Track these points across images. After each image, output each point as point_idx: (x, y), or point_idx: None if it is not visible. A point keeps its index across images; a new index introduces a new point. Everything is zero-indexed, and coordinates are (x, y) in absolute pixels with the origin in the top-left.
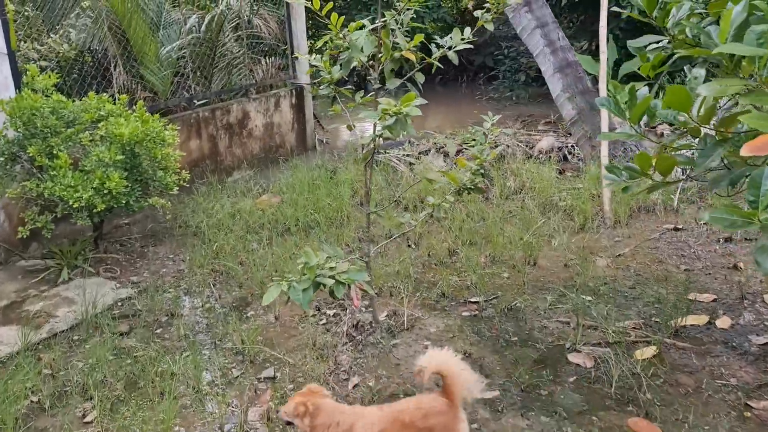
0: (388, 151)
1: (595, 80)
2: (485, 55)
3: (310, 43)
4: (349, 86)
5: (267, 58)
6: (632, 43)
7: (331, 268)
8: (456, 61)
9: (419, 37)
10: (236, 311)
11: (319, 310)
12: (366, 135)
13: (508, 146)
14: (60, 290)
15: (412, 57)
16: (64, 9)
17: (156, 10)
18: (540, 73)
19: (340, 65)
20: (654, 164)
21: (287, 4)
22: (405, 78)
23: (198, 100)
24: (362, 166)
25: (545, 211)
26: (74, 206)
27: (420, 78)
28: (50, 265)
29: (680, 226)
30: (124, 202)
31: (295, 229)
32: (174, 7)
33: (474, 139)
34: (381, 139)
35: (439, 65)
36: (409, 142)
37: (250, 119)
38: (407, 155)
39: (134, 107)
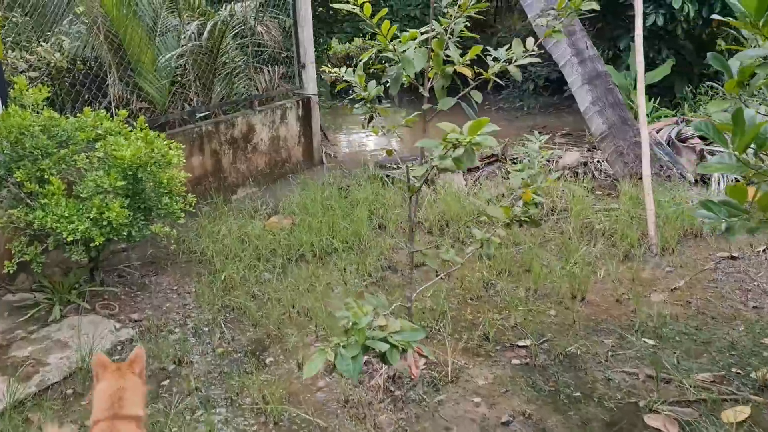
0: (399, 165)
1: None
2: None
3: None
4: (387, 104)
5: (271, 66)
6: (738, 57)
7: (382, 328)
8: (519, 77)
9: (476, 49)
10: (253, 357)
11: None
12: (368, 147)
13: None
14: (51, 331)
15: (467, 72)
16: (56, 15)
17: (152, 15)
18: (549, 82)
19: (384, 83)
20: (754, 199)
21: (294, 9)
22: (459, 96)
23: (200, 113)
24: (408, 198)
25: (582, 235)
26: (68, 239)
27: (477, 97)
28: (40, 300)
29: (736, 255)
30: (125, 233)
31: (310, 256)
32: (171, 13)
33: (523, 161)
34: (435, 168)
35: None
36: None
37: (255, 133)
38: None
39: (134, 122)
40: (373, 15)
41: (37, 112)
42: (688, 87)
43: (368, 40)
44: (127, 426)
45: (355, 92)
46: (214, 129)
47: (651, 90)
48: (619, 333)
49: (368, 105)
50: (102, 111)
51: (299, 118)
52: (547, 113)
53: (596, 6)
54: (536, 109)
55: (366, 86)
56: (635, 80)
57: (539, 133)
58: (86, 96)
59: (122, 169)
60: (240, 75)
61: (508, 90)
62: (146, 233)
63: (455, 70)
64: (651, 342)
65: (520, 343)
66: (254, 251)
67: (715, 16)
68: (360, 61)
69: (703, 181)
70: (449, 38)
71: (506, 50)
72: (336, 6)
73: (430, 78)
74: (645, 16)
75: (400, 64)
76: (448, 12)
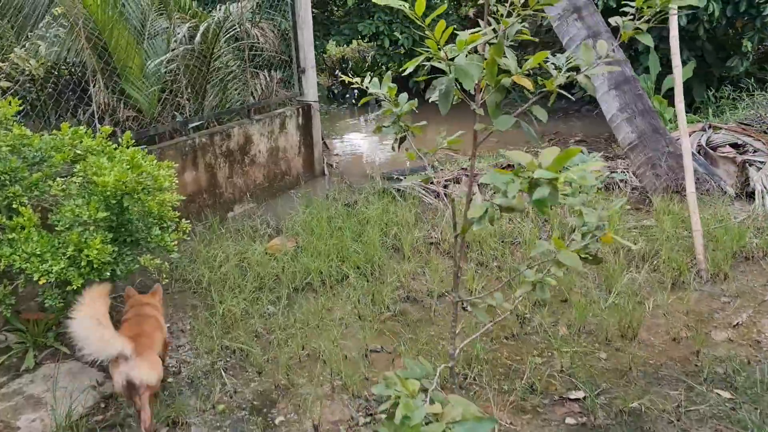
0: (406, 177)
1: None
2: None
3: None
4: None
5: (268, 72)
6: None
7: (437, 416)
8: (593, 90)
9: (541, 55)
10: (259, 415)
11: (371, 415)
12: (368, 155)
13: None
14: (24, 384)
15: (528, 84)
16: (32, 17)
17: (140, 18)
18: (560, 87)
19: (435, 100)
20: None
21: (293, 10)
22: (518, 113)
23: (192, 123)
24: (455, 238)
25: (619, 257)
26: (40, 282)
27: (542, 115)
28: (12, 344)
29: None
30: (108, 273)
31: (318, 284)
32: (159, 15)
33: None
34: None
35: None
36: (432, 166)
37: (252, 144)
38: (431, 182)
39: (119, 137)
40: (371, 15)
41: (7, 129)
42: (709, 91)
43: (367, 42)
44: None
45: (353, 94)
46: (208, 141)
47: (669, 94)
48: (686, 382)
49: (400, 123)
50: (82, 128)
51: (299, 127)
52: (556, 118)
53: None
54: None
55: (396, 100)
56: (655, 84)
57: (550, 140)
58: (69, 104)
59: (105, 198)
60: (235, 81)
61: (513, 93)
62: (134, 268)
63: (513, 81)
64: (725, 395)
65: (572, 396)
66: (255, 279)
67: None
68: (404, 69)
69: (747, 195)
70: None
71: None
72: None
73: (481, 90)
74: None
75: (451, 75)
76: (498, 11)
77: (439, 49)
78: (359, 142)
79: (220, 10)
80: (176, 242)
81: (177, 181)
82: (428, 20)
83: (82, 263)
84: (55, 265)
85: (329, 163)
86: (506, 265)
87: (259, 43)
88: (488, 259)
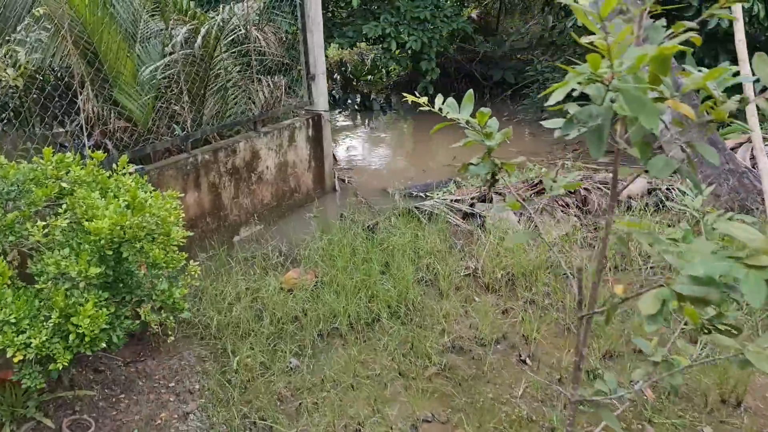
0: (429, 194)
1: None
2: (505, 69)
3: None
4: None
5: (275, 78)
6: None
7: None
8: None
9: (718, 72)
10: None
11: None
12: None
13: (587, 190)
14: None
15: (689, 113)
16: (10, 19)
17: (132, 19)
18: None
19: (578, 130)
20: None
21: (302, 11)
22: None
23: (194, 137)
24: (579, 320)
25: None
26: (15, 360)
27: (714, 159)
28: None
29: None
30: (104, 343)
31: (346, 328)
32: (152, 16)
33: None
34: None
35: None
36: (454, 182)
37: (260, 159)
38: (456, 201)
39: (112, 153)
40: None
41: None
42: None
43: (373, 45)
44: None
45: (355, 99)
46: (212, 158)
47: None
48: None
49: (493, 160)
50: (68, 155)
51: (309, 139)
52: None
53: None
54: None
55: (488, 131)
56: None
57: (574, 151)
58: (56, 114)
59: (98, 248)
60: (236, 89)
61: (529, 99)
62: (135, 327)
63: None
64: None
65: None
66: (272, 322)
67: None
68: (539, 84)
69: None
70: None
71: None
72: None
73: (620, 121)
74: (705, 20)
75: (611, 103)
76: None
77: (608, 66)
78: (366, 152)
79: (223, 10)
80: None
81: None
82: (604, 12)
83: (71, 335)
84: (36, 336)
85: (341, 177)
86: (558, 302)
87: (262, 48)
88: (540, 296)
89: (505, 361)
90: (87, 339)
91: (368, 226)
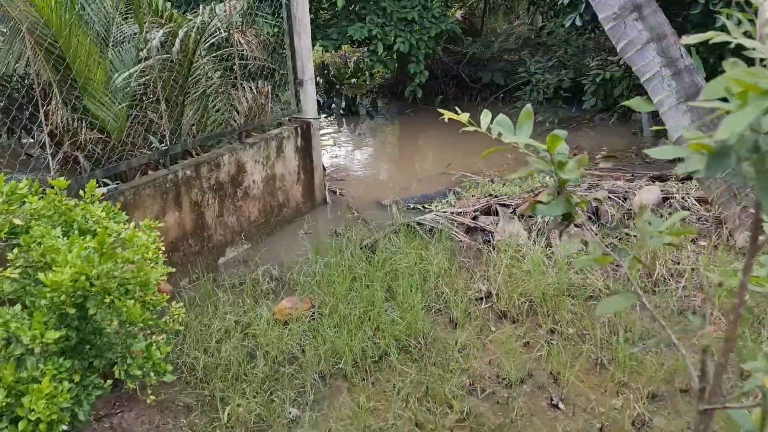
0: (428, 206)
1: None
2: (493, 70)
3: None
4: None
5: (258, 83)
6: None
7: None
8: None
9: None
10: None
11: None
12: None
13: (598, 200)
14: None
15: None
16: None
17: (103, 21)
18: (566, 91)
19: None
20: None
21: (288, 13)
22: None
23: (173, 151)
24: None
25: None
26: None
27: None
28: None
29: None
30: (65, 425)
31: (350, 368)
32: (125, 19)
33: None
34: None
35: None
36: (454, 192)
37: (245, 173)
38: (458, 213)
39: (82, 166)
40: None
41: None
42: None
43: (358, 47)
44: None
45: (340, 104)
46: (194, 173)
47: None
48: None
49: (569, 198)
50: (23, 181)
51: (298, 150)
52: (569, 129)
53: None
54: (555, 124)
55: (560, 159)
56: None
57: (574, 155)
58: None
59: (57, 304)
60: (220, 96)
61: (521, 102)
62: (106, 391)
63: None
64: None
65: None
66: (267, 363)
67: None
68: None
69: None
70: None
71: None
72: None
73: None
74: (713, 17)
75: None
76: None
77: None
78: (356, 160)
79: (204, 12)
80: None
81: (158, 231)
82: None
83: (22, 422)
84: None
85: (331, 189)
86: (585, 331)
87: (245, 51)
88: (564, 326)
89: (535, 405)
90: (42, 426)
91: (366, 245)
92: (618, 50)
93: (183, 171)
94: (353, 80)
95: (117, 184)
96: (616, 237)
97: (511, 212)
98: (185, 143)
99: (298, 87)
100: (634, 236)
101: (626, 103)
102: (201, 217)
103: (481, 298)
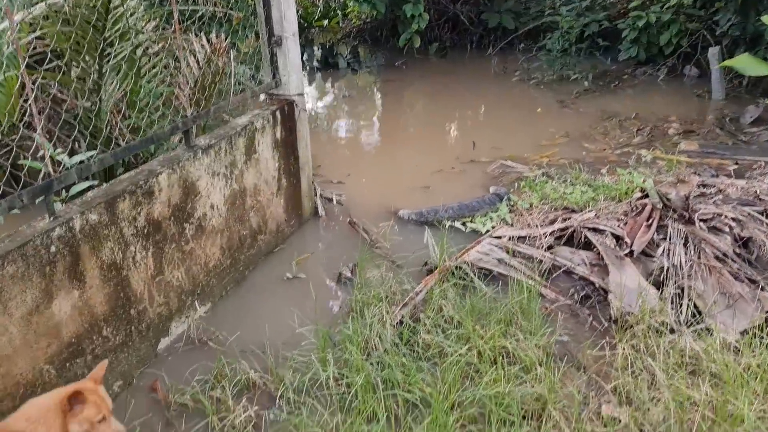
0: (470, 222)
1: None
2: (501, 11)
3: None
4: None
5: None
6: None
7: None
8: None
9: None
10: None
11: None
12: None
13: (736, 220)
14: None
15: None
16: None
17: None
18: (602, 38)
19: None
20: None
21: None
22: None
23: (69, 182)
24: None
25: None
26: None
27: None
28: None
29: None
30: None
31: None
32: None
33: None
34: None
35: None
36: (507, 198)
37: (198, 197)
38: (522, 239)
39: None
40: None
41: None
42: None
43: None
44: None
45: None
46: (106, 217)
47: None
48: None
49: None
50: None
51: (277, 145)
52: (609, 89)
53: None
54: (588, 80)
55: None
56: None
57: (639, 130)
58: None
59: None
60: (155, 60)
61: (543, 53)
62: None
63: None
64: None
65: None
66: None
67: None
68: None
69: None
70: None
71: None
72: None
73: None
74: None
75: None
76: None
77: None
78: (345, 140)
79: None
80: None
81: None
82: None
83: None
84: None
85: (324, 195)
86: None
87: None
88: None
89: None
90: None
91: (400, 321)
92: None
93: (84, 216)
94: (325, 23)
95: None
96: None
97: (617, 246)
98: (87, 167)
99: (274, 47)
100: None
101: (727, 63)
102: (123, 285)
103: (614, 418)
